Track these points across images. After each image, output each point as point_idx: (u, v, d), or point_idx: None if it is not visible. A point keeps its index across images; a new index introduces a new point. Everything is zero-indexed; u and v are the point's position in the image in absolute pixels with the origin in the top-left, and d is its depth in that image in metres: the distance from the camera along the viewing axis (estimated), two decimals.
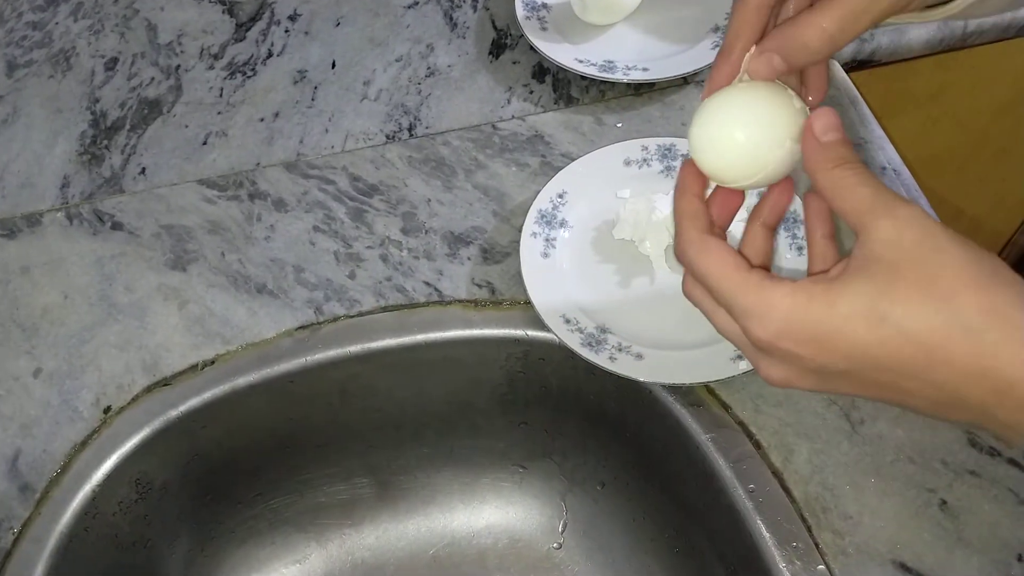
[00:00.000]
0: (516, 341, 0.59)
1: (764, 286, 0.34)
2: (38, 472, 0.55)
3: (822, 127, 0.36)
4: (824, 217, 0.38)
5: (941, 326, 0.31)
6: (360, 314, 0.60)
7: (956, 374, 0.31)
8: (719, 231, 0.40)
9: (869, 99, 0.69)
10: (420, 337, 0.59)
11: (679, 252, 0.38)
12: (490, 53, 0.74)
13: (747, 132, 0.37)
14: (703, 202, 0.39)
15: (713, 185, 0.40)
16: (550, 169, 0.65)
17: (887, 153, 0.66)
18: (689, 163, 0.40)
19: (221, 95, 0.73)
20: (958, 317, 0.31)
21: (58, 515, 0.54)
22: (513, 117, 0.69)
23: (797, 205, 0.58)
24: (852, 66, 0.74)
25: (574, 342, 0.55)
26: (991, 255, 0.32)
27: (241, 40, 0.76)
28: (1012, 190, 0.99)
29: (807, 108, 0.39)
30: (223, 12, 0.79)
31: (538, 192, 0.62)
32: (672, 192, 0.60)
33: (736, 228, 0.42)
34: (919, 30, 0.75)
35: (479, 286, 0.61)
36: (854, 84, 0.70)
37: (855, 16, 0.36)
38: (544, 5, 0.74)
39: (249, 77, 0.74)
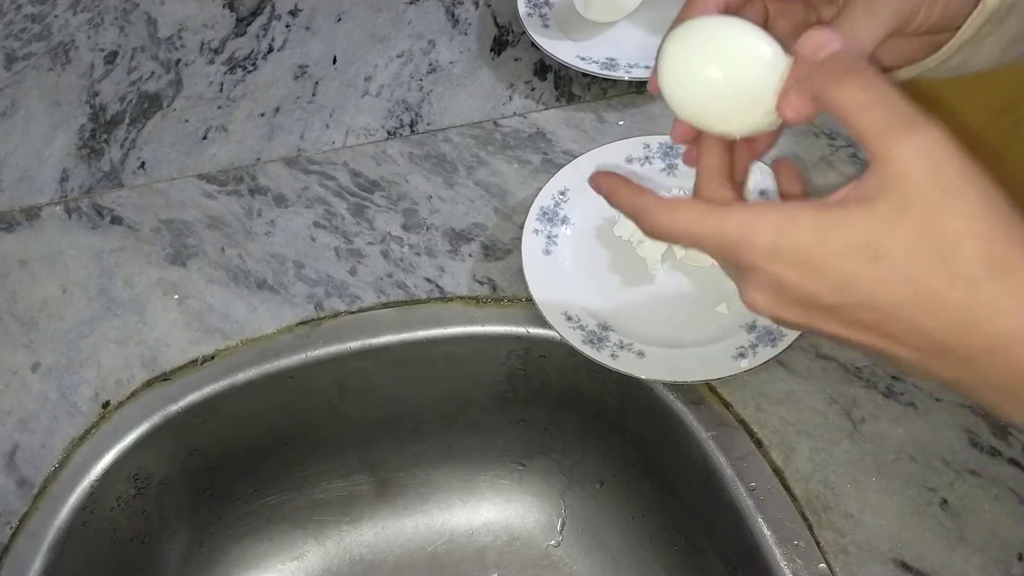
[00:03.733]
0: (517, 338, 0.59)
1: (748, 210, 0.32)
2: (36, 467, 0.55)
3: (815, 45, 0.33)
4: (796, 178, 0.36)
5: (939, 272, 0.29)
6: (361, 310, 0.60)
7: (947, 323, 0.29)
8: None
9: None
10: (421, 333, 0.59)
11: (655, 231, 0.35)
12: (492, 50, 0.73)
13: (725, 68, 0.33)
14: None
15: None
16: (552, 166, 0.65)
17: None
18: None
19: (221, 90, 0.72)
20: (958, 265, 0.29)
21: (56, 510, 0.54)
22: (515, 114, 0.69)
23: None
24: None
25: (575, 339, 0.55)
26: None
27: (242, 35, 0.76)
28: (1010, 193, 0.99)
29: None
30: (224, 6, 0.78)
31: (540, 189, 0.62)
32: (674, 191, 0.60)
33: None
34: None
35: (480, 283, 0.60)
36: None
37: (869, 20, 0.35)
38: (546, 2, 0.74)
39: (250, 72, 0.73)
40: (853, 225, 0.30)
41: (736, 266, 0.33)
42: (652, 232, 0.34)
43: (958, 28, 0.38)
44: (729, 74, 0.34)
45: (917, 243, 0.29)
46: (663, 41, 0.35)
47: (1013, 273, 0.29)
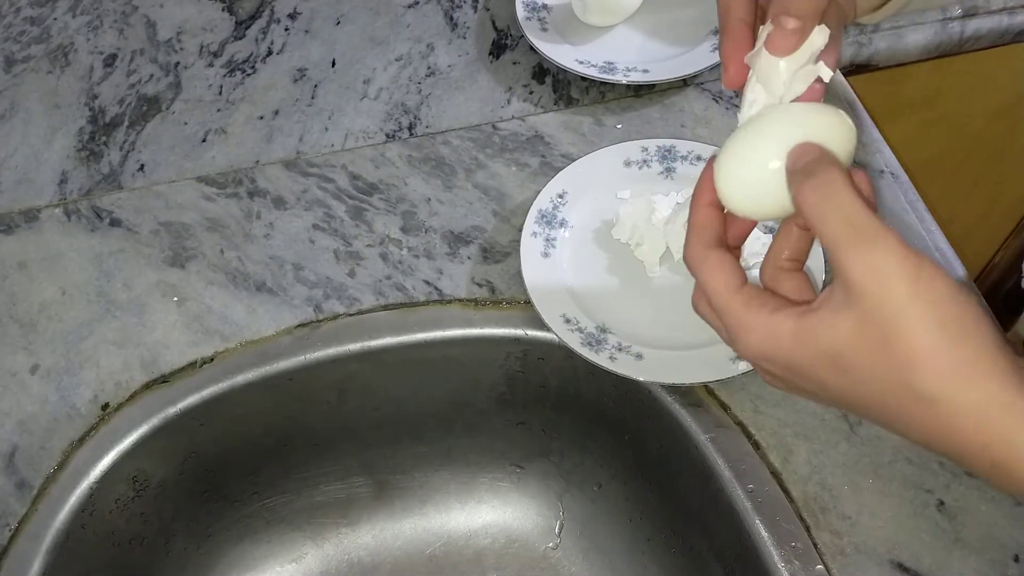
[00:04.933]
0: (516, 340, 0.59)
1: (748, 308, 0.34)
2: (35, 469, 0.55)
3: (798, 153, 0.34)
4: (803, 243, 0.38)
5: (899, 391, 0.31)
6: (360, 312, 0.60)
7: (916, 432, 0.32)
8: (732, 244, 0.39)
9: (867, 103, 0.70)
10: (420, 336, 0.59)
11: (686, 261, 0.38)
12: (490, 53, 0.74)
13: (776, 164, 0.34)
14: (718, 210, 0.38)
15: None
16: (550, 169, 0.65)
17: (885, 156, 0.66)
18: (709, 168, 0.38)
19: (220, 93, 0.72)
20: (915, 387, 0.30)
21: (55, 512, 0.54)
22: (513, 117, 0.69)
23: None
24: (850, 70, 0.75)
25: (574, 342, 0.55)
26: (958, 311, 0.30)
27: (241, 38, 0.76)
28: (1007, 194, 1.00)
29: (853, 128, 0.35)
30: (223, 10, 0.78)
31: (538, 192, 0.62)
32: (671, 194, 0.60)
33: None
34: (916, 35, 0.76)
35: (479, 285, 0.61)
36: (852, 88, 0.71)
37: None
38: (544, 6, 0.74)
39: (249, 75, 0.74)
40: (822, 337, 0.32)
41: (733, 347, 0.37)
42: (685, 259, 0.38)
43: None
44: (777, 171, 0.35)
45: (876, 363, 0.31)
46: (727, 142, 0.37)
47: (966, 391, 0.30)
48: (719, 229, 0.37)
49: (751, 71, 0.38)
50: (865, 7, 0.42)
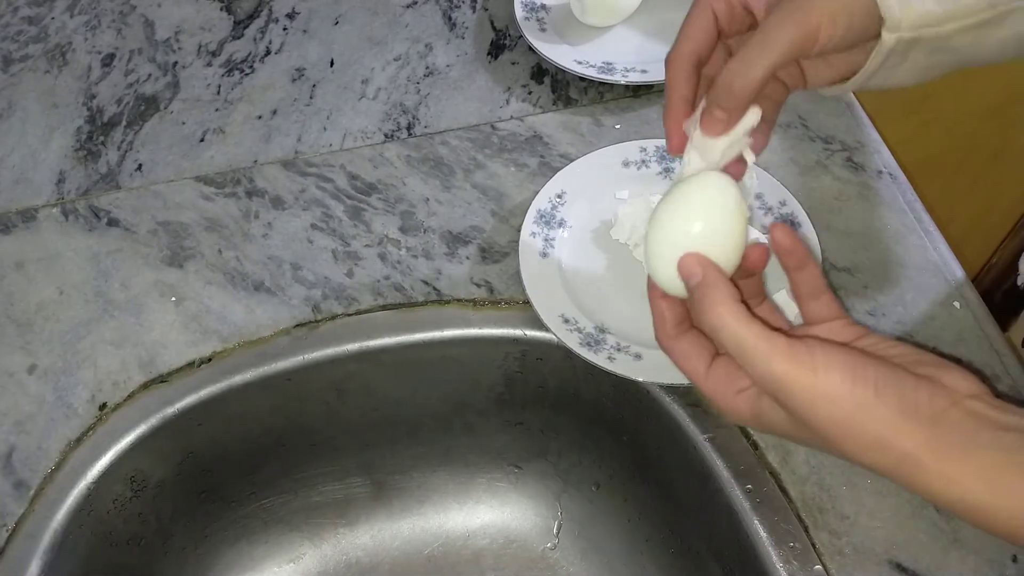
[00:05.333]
0: (514, 341, 0.59)
1: (715, 394, 0.39)
2: (32, 469, 0.55)
3: (683, 272, 0.39)
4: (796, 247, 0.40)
5: (838, 451, 0.35)
6: (358, 312, 0.60)
7: (912, 488, 0.35)
8: (748, 297, 0.41)
9: (865, 104, 0.70)
10: (418, 336, 0.59)
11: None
12: (489, 53, 0.74)
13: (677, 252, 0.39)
14: (667, 299, 0.41)
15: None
16: (548, 169, 0.65)
17: (883, 157, 0.66)
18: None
19: (219, 92, 0.72)
20: (845, 452, 0.35)
21: (52, 512, 0.54)
22: (512, 117, 0.69)
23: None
24: None
25: (573, 342, 0.55)
26: (844, 382, 0.34)
27: (239, 37, 0.76)
28: (1005, 194, 1.00)
29: (740, 189, 0.40)
30: (221, 9, 0.78)
31: (537, 192, 0.62)
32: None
33: None
34: None
35: (478, 285, 0.61)
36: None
37: (759, 50, 0.39)
38: (543, 6, 0.74)
39: (247, 75, 0.73)
40: (773, 419, 0.37)
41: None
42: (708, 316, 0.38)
43: (874, 39, 0.41)
44: (707, 227, 0.39)
45: (811, 438, 0.36)
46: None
47: (864, 434, 0.34)
48: (675, 313, 0.40)
49: (689, 139, 0.42)
50: (820, 80, 0.44)
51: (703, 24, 0.42)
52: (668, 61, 0.42)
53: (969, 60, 0.43)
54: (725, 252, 0.39)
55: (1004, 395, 0.54)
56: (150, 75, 0.74)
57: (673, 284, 0.39)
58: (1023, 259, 0.70)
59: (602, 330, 0.56)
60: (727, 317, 0.36)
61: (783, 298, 0.55)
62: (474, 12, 0.76)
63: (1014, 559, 0.49)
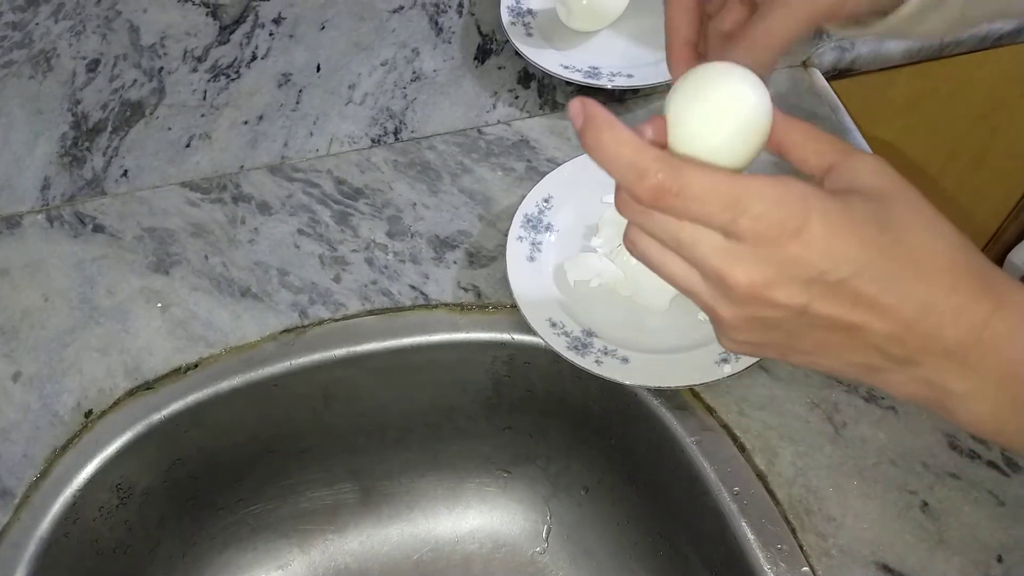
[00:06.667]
0: (502, 345, 0.59)
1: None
2: (17, 477, 0.55)
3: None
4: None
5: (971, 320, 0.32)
6: (345, 317, 0.60)
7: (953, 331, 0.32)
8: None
9: (850, 107, 0.70)
10: (406, 341, 0.59)
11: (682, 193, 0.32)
12: (475, 58, 0.74)
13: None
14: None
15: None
16: (535, 174, 0.65)
17: None
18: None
19: (205, 98, 0.72)
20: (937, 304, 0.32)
21: (38, 520, 0.53)
22: (499, 122, 0.69)
23: None
24: (833, 75, 0.75)
25: (560, 345, 0.55)
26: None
27: (225, 43, 0.76)
28: (989, 198, 1.00)
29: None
30: (207, 14, 0.78)
31: (524, 196, 0.62)
32: None
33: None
34: (897, 40, 0.76)
35: (465, 290, 0.61)
36: (835, 92, 0.71)
37: (785, 12, 0.36)
38: (529, 11, 0.74)
39: (233, 80, 0.73)
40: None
41: (754, 240, 0.32)
42: (677, 194, 0.31)
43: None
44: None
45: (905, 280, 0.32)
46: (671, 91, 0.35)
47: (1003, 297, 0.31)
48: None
49: None
50: (847, 12, 0.40)
51: None
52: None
53: (1006, 10, 0.40)
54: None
55: None
56: (135, 81, 0.74)
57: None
58: (1006, 265, 0.70)
59: (589, 334, 0.56)
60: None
61: None
62: (460, 17, 0.77)
63: (999, 559, 0.49)
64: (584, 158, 0.63)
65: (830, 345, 0.34)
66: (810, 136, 0.34)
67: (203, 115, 0.71)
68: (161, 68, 0.74)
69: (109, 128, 0.71)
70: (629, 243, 0.36)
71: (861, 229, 0.31)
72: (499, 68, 0.73)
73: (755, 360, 0.54)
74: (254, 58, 0.75)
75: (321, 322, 0.60)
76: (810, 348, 0.34)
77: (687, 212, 0.31)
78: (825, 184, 0.33)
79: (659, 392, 0.55)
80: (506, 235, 0.60)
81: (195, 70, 0.74)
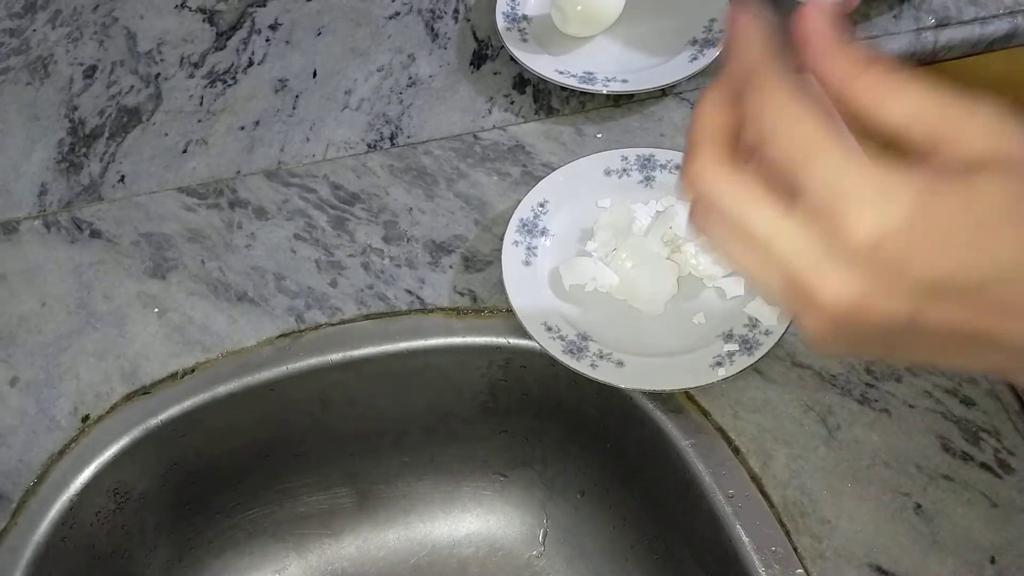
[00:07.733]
0: (498, 349, 0.59)
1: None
2: (14, 482, 0.55)
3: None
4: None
5: None
6: (342, 322, 0.60)
7: None
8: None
9: None
10: (402, 345, 0.60)
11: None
12: (471, 64, 0.74)
13: None
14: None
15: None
16: (531, 179, 0.65)
17: None
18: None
19: (201, 103, 0.73)
20: None
21: (34, 525, 0.53)
22: (494, 127, 0.69)
23: None
24: None
25: (556, 349, 0.55)
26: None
27: (221, 49, 0.76)
28: None
29: None
30: (203, 21, 0.79)
31: (519, 201, 0.62)
32: (650, 203, 0.61)
33: None
34: (891, 44, 0.77)
35: (461, 294, 0.61)
36: None
37: None
38: (524, 17, 0.74)
39: (229, 85, 0.74)
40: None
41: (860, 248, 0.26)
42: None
43: None
44: None
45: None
46: None
47: None
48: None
49: None
50: None
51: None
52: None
53: None
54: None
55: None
56: (132, 87, 0.74)
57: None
58: None
59: (585, 338, 0.56)
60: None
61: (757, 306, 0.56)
62: (456, 23, 0.77)
63: (992, 560, 0.49)
64: (579, 163, 0.64)
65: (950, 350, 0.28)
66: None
67: (200, 121, 0.71)
68: (158, 74, 0.75)
69: (106, 134, 0.71)
70: (699, 223, 0.30)
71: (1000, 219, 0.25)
72: (495, 73, 0.73)
73: (749, 364, 0.54)
74: (250, 64, 0.75)
75: (317, 327, 0.60)
76: (927, 353, 0.29)
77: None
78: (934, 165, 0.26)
79: (654, 395, 0.56)
80: (502, 240, 0.61)
81: (192, 76, 0.74)
